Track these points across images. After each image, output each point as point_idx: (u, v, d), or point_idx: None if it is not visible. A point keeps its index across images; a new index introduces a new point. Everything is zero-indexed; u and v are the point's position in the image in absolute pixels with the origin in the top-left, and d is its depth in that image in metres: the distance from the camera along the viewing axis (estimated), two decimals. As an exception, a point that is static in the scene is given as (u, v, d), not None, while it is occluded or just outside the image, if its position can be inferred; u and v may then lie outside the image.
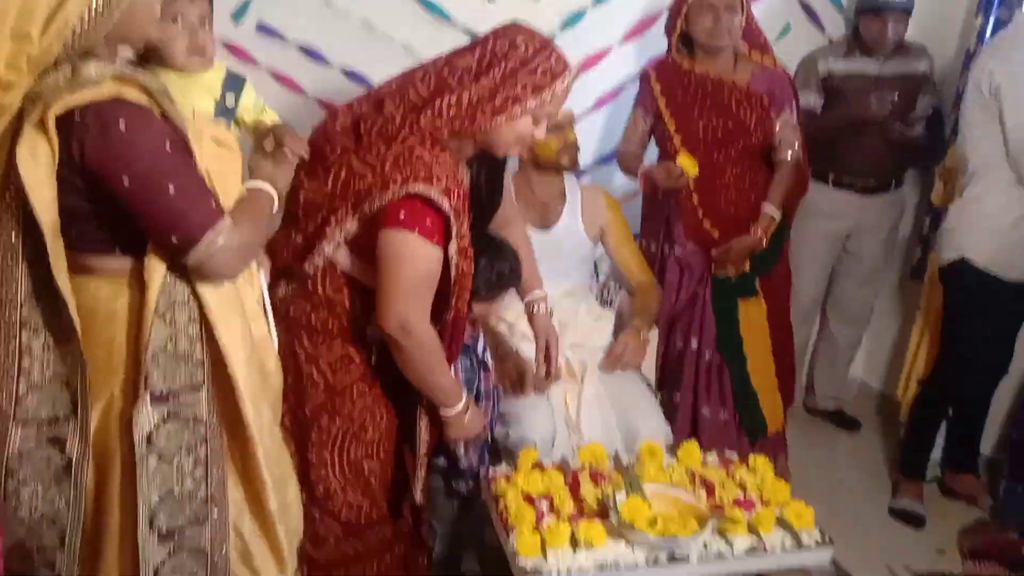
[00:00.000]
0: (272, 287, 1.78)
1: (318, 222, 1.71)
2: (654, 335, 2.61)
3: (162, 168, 1.33)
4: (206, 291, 1.43)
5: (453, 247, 1.66)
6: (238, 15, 2.67)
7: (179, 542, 1.46)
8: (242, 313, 1.49)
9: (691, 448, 2.06)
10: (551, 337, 2.13)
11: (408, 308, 1.65)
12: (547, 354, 2.12)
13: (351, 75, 2.80)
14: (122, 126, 1.29)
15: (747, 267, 2.72)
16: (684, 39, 2.67)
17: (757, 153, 2.70)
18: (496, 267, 1.99)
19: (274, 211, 1.56)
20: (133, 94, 1.32)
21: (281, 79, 2.74)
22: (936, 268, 2.73)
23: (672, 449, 2.15)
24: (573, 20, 2.91)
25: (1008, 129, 2.41)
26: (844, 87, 2.97)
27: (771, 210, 2.69)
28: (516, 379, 2.33)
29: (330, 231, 1.69)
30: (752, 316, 2.75)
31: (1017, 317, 2.68)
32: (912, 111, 3.01)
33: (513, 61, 1.64)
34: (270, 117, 1.90)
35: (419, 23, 2.78)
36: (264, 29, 2.70)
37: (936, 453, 2.88)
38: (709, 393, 2.78)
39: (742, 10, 2.58)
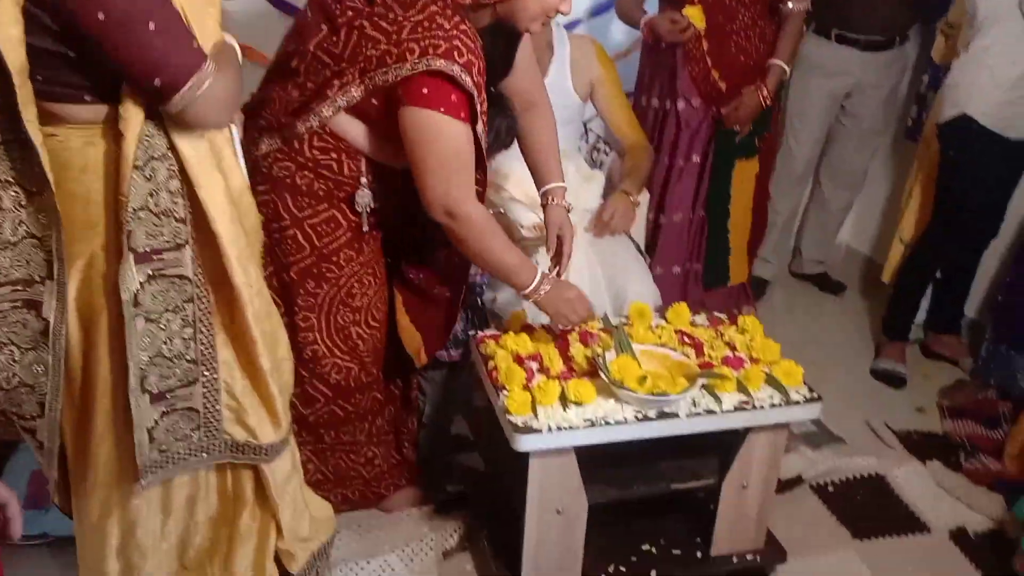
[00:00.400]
0: (253, 143, 1.70)
1: (319, 82, 1.61)
2: (645, 198, 2.55)
3: (141, 2, 1.22)
4: (184, 144, 1.35)
5: (480, 127, 1.58)
6: None
7: (171, 403, 1.45)
8: (221, 168, 1.42)
9: (680, 309, 2.04)
10: (565, 232, 1.93)
11: (448, 190, 1.57)
12: (559, 250, 1.94)
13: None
14: None
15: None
16: None
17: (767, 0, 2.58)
18: (495, 123, 1.89)
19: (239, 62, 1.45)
20: None
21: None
22: (932, 127, 2.66)
23: (661, 311, 2.14)
24: None
25: None
26: None
27: (782, 64, 2.61)
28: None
29: (332, 94, 1.59)
30: (744, 175, 2.71)
31: (1013, 177, 2.64)
32: None
33: None
34: None
35: None
36: None
37: (919, 315, 2.91)
38: (692, 249, 2.77)
39: None
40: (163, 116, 1.32)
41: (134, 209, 1.32)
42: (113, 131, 1.32)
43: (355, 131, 1.65)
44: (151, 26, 1.22)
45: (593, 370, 1.78)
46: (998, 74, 2.42)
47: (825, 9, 2.84)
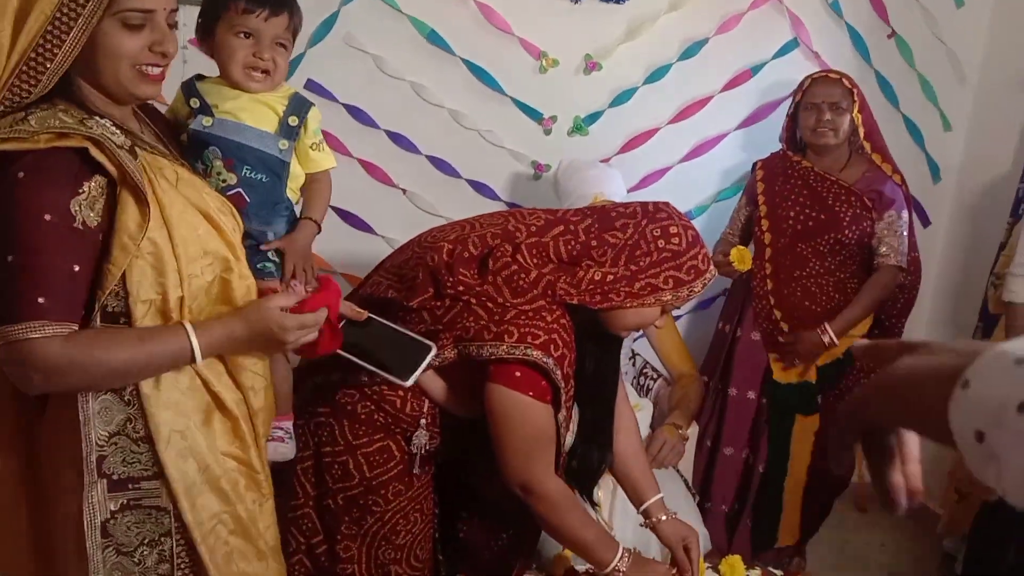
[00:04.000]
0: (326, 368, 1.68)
1: None
2: (694, 431, 2.49)
3: (17, 234, 1.16)
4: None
5: (562, 415, 1.59)
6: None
7: None
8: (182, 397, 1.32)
9: (735, 563, 1.93)
10: (691, 541, 1.75)
11: (529, 467, 1.57)
12: (690, 558, 1.75)
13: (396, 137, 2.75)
14: (19, 174, 1.16)
15: (813, 377, 2.59)
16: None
17: (851, 253, 2.54)
18: (590, 454, 1.78)
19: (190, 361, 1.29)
20: (76, 141, 1.18)
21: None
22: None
23: (710, 557, 2.03)
24: (625, 97, 2.87)
25: None
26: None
27: (843, 322, 2.49)
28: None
29: None
30: (804, 432, 2.61)
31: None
32: None
33: (665, 252, 1.57)
34: (327, 158, 1.70)
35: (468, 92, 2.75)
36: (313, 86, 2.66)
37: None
38: (739, 494, 2.67)
39: (852, 110, 2.50)
40: None
41: (110, 434, 1.27)
42: None
43: (435, 385, 1.66)
44: (8, 258, 1.16)
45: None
46: None
47: None
